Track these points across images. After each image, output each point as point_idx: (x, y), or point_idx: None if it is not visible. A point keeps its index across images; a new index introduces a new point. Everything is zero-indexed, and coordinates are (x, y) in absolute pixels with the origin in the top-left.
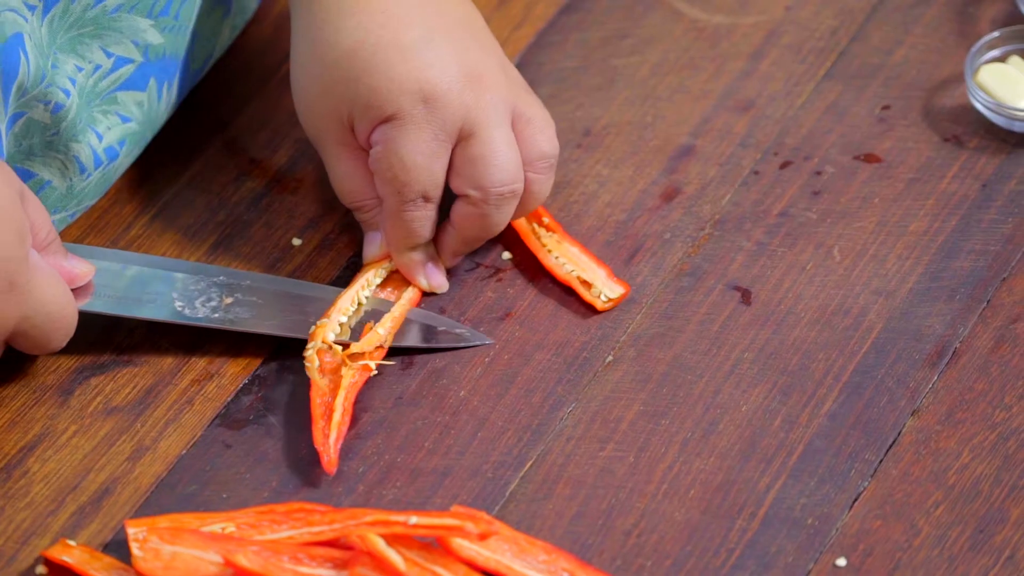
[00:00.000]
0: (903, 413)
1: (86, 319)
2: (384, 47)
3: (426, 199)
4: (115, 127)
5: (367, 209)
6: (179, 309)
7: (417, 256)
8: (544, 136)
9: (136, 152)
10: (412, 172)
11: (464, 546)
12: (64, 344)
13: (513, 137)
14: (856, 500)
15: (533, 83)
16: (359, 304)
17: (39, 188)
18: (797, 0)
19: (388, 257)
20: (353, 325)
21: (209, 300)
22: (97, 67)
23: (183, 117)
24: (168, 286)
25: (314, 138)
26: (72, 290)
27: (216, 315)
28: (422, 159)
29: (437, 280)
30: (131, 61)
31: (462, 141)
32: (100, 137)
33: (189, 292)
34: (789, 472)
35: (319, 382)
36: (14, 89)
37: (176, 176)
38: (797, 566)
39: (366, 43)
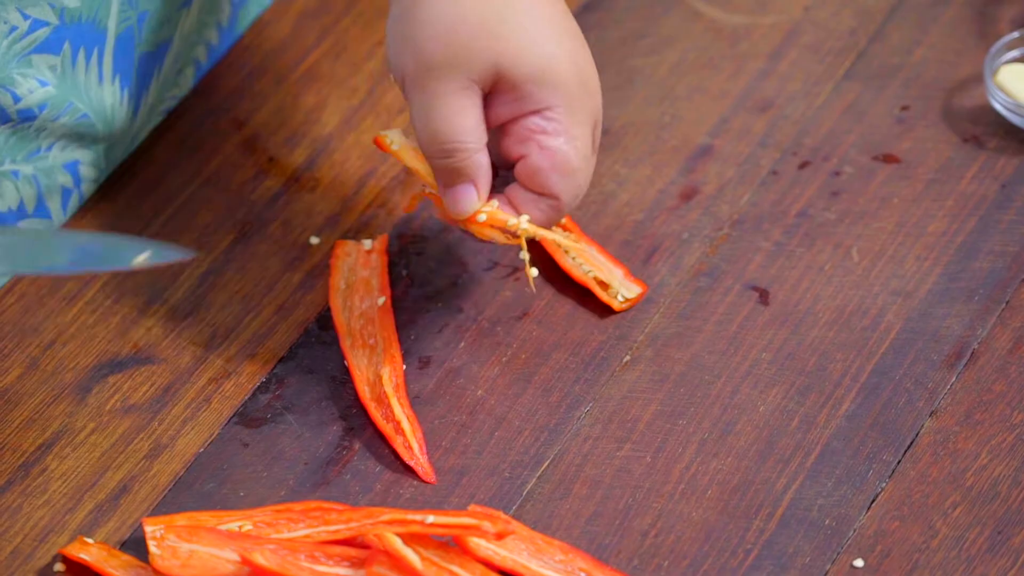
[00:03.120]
0: (921, 414)
1: (103, 317)
2: (554, 22)
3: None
4: (36, 91)
5: (468, 153)
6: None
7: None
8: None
9: (69, 123)
10: (591, 163)
11: (481, 545)
12: None
13: None
14: (874, 501)
15: None
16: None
17: None
18: (816, 0)
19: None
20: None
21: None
22: (13, 28)
23: (201, 115)
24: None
25: (426, 71)
26: None
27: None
28: (592, 152)
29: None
30: (46, 24)
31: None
32: (17, 99)
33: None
34: (807, 473)
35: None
36: None
37: (195, 174)
38: (814, 567)
39: (533, 8)
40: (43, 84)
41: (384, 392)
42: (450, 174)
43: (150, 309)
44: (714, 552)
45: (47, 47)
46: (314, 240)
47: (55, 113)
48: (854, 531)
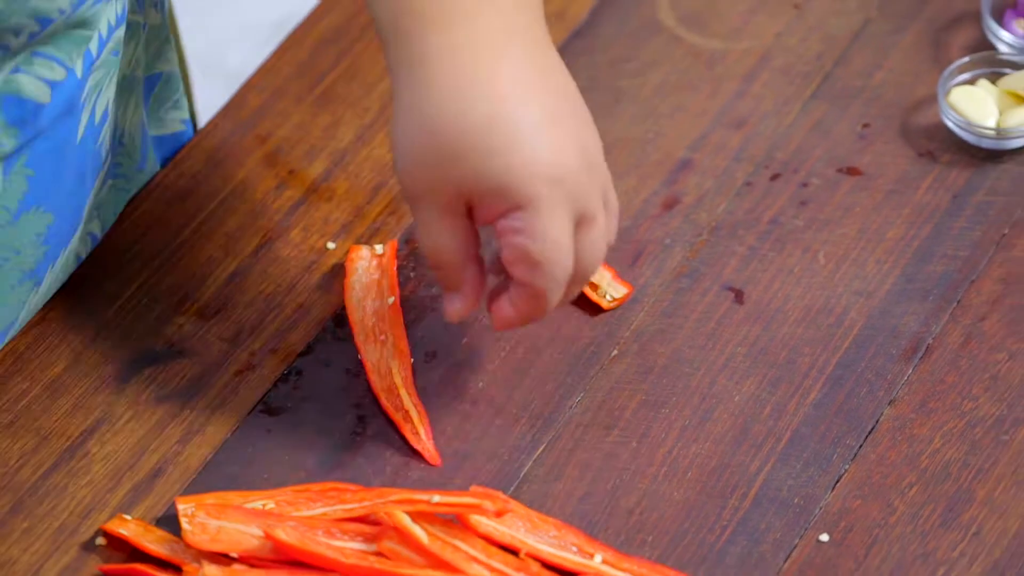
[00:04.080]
0: (881, 403)
1: (140, 315)
2: (511, 128)
3: (566, 275)
4: None
5: (455, 270)
6: None
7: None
8: (615, 222)
9: None
10: (562, 254)
11: (482, 522)
12: None
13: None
14: (838, 482)
15: None
16: None
17: None
18: (786, 28)
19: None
20: None
21: None
22: None
23: (228, 133)
24: None
25: (412, 198)
26: None
27: None
28: (566, 239)
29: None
30: None
31: (579, 226)
32: None
33: None
34: (778, 456)
35: None
36: None
37: (222, 186)
38: (784, 541)
39: (492, 122)
40: None
41: (394, 383)
42: (442, 283)
43: (182, 308)
44: (693, 528)
45: None
46: (330, 245)
47: None
48: (820, 509)
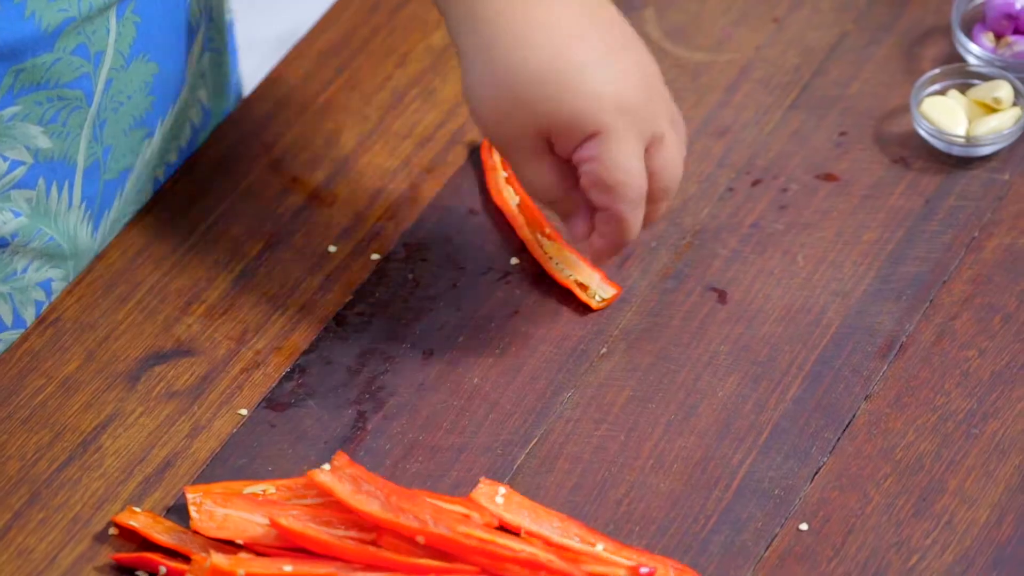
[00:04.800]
0: (857, 398)
1: (150, 315)
2: (574, 67)
3: (642, 197)
4: (9, 221)
5: (564, 200)
6: None
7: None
8: (684, 138)
9: (39, 247)
10: (632, 177)
11: (488, 509)
12: None
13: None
14: (817, 473)
15: None
16: None
17: None
18: (766, 41)
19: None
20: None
21: None
22: None
23: (234, 141)
24: None
25: (502, 147)
26: None
27: None
28: (636, 163)
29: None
30: (23, 163)
31: (651, 147)
32: None
33: None
34: (759, 449)
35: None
36: None
37: (229, 192)
38: (765, 530)
39: (553, 64)
40: (16, 215)
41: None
42: (559, 212)
43: (190, 308)
44: (679, 518)
45: (24, 183)
46: (332, 248)
47: (26, 240)
48: (800, 499)
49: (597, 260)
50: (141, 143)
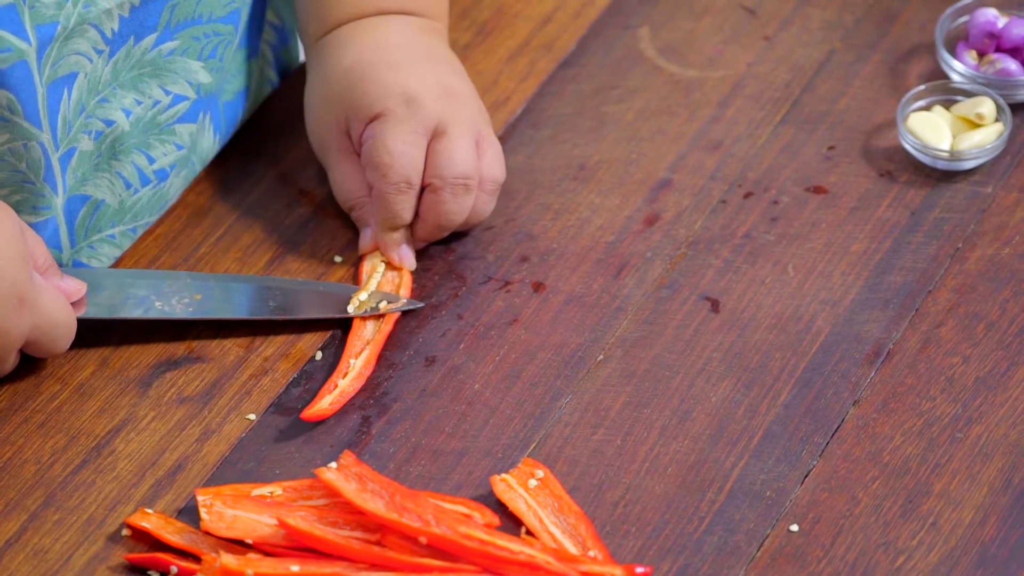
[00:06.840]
0: (846, 403)
1: (156, 326)
2: (375, 63)
3: (408, 184)
4: (170, 153)
5: (360, 207)
6: (159, 307)
7: (396, 236)
8: (497, 164)
9: (185, 174)
10: (396, 158)
11: (507, 492)
12: (67, 347)
13: (475, 149)
14: (807, 476)
15: (536, 126)
16: (378, 276)
17: (95, 208)
18: (757, 58)
19: (377, 248)
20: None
21: (183, 298)
22: (156, 102)
23: (244, 155)
24: (147, 290)
25: (320, 152)
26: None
27: (190, 309)
28: (404, 147)
29: (408, 260)
30: (187, 98)
31: (434, 139)
32: (152, 160)
33: (165, 293)
34: (751, 453)
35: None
36: (59, 123)
37: (238, 204)
38: (757, 531)
39: (360, 62)
40: (179, 148)
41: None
42: (356, 220)
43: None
44: (673, 520)
45: (187, 118)
46: (337, 258)
47: (180, 170)
48: (790, 501)
49: (364, 250)
50: (246, 63)
